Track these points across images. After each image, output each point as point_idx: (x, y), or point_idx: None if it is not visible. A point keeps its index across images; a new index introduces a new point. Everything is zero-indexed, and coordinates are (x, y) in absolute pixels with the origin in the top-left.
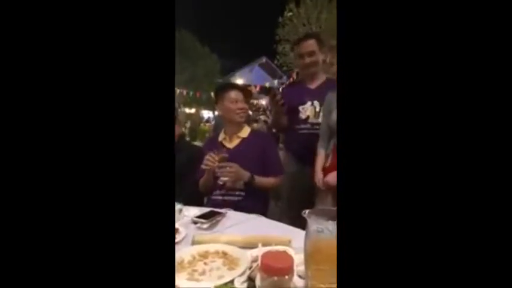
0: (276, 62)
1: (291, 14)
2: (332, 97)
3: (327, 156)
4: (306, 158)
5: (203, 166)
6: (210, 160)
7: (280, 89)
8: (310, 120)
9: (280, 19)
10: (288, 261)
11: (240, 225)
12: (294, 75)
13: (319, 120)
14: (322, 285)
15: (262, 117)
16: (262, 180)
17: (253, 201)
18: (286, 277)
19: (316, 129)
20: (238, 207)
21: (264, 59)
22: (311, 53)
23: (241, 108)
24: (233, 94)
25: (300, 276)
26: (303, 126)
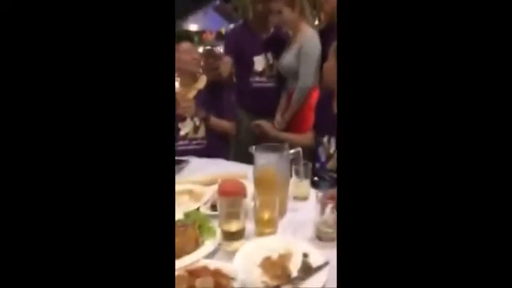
0: (229, 4)
1: None
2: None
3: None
4: (262, 112)
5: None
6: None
7: (232, 32)
8: (266, 73)
9: None
10: (240, 186)
11: (203, 169)
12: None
13: (273, 73)
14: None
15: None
16: (216, 121)
17: (215, 148)
18: (239, 198)
19: (273, 82)
20: (201, 154)
21: (217, 1)
22: (279, 12)
23: (195, 59)
24: (185, 45)
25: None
26: (258, 79)
